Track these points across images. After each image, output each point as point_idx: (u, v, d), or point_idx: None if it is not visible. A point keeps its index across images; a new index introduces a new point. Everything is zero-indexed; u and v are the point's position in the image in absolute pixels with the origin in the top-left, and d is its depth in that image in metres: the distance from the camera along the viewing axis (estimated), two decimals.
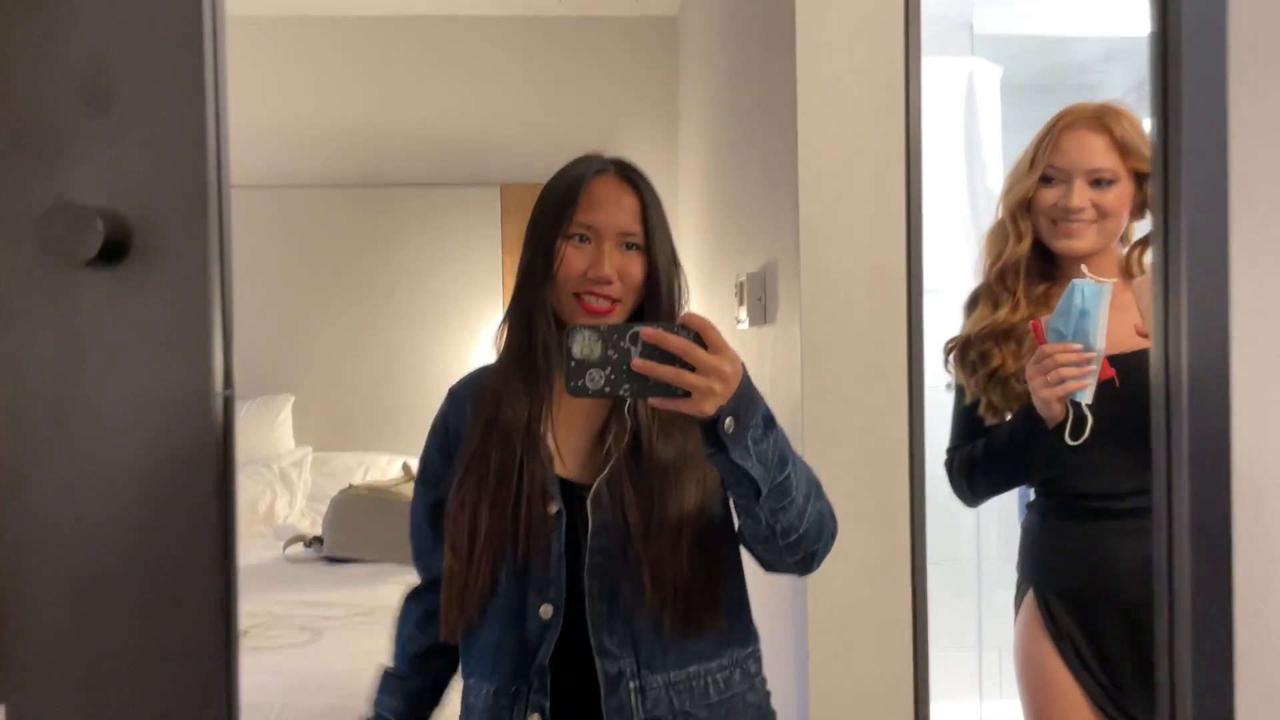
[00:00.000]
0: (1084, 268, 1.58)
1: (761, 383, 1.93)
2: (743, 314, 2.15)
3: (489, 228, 4.32)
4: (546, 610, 1.27)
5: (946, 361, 1.74)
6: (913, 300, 1.76)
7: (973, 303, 1.75)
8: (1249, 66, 0.70)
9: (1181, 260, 0.65)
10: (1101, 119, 1.64)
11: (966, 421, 1.72)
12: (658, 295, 1.33)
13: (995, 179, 3.11)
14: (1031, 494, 1.75)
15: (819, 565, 1.27)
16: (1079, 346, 1.50)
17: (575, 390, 1.09)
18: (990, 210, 3.07)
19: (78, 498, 0.62)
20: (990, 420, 1.66)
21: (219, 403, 0.63)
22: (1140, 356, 1.52)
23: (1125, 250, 1.70)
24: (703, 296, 3.07)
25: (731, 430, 1.10)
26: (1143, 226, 1.70)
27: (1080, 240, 1.64)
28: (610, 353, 1.08)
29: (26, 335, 0.62)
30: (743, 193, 2.41)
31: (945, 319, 2.65)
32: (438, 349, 4.35)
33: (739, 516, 1.23)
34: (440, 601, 1.33)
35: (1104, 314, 1.51)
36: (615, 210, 1.32)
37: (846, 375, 1.75)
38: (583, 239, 1.30)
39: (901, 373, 1.75)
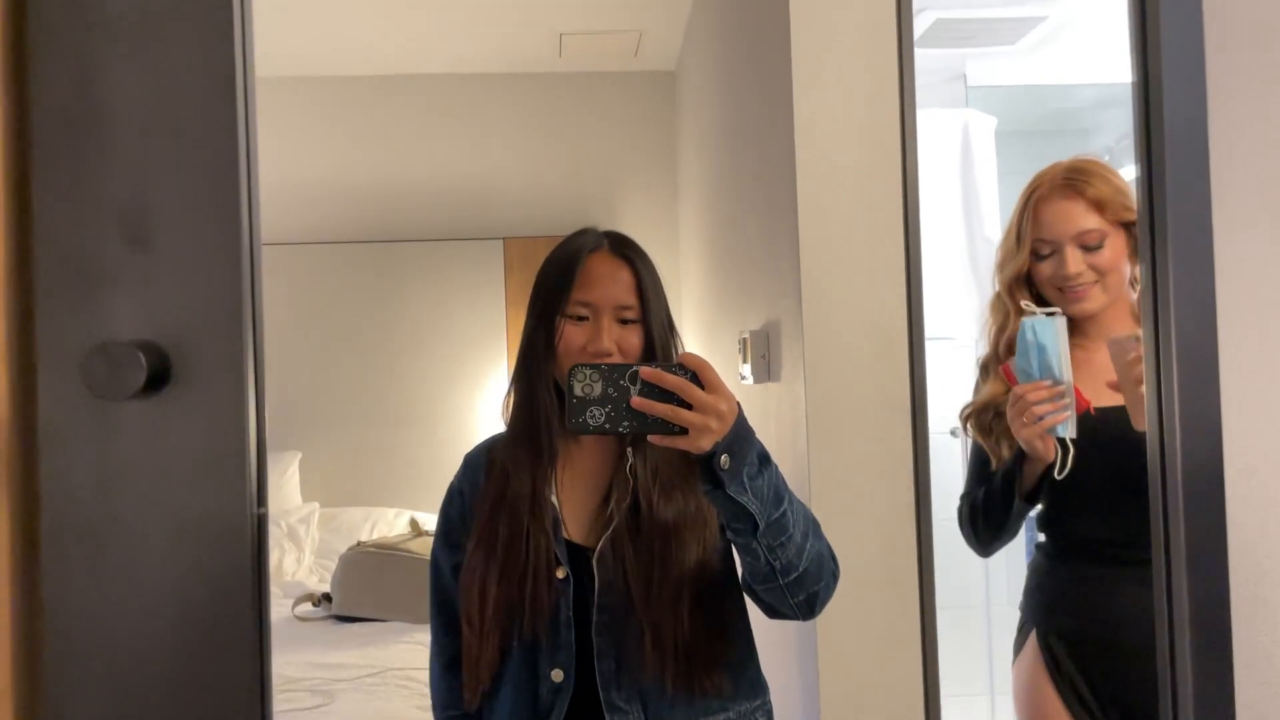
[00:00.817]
0: (1026, 304, 1.66)
1: (768, 439, 1.95)
2: (746, 370, 2.17)
3: (493, 281, 4.36)
4: (558, 675, 1.31)
5: (965, 428, 1.77)
6: (915, 353, 1.78)
7: (984, 371, 1.79)
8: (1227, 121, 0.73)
9: (1170, 323, 0.68)
10: (1072, 183, 1.68)
11: (982, 472, 1.75)
12: (656, 362, 1.37)
13: (992, 227, 3.15)
14: (1040, 537, 1.77)
15: (821, 608, 1.30)
16: (1048, 382, 1.55)
17: (576, 427, 1.15)
18: (988, 257, 3.11)
19: (116, 619, 0.64)
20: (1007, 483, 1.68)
21: (254, 521, 0.65)
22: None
23: (1137, 296, 1.71)
24: (706, 352, 3.10)
25: (727, 466, 1.15)
26: None
27: (1089, 302, 1.67)
28: (610, 391, 1.14)
29: (69, 463, 0.65)
30: (743, 249, 2.45)
31: (949, 366, 2.68)
32: (444, 403, 4.38)
33: (740, 557, 1.28)
34: (463, 670, 1.36)
35: (1062, 344, 1.57)
36: (611, 287, 1.36)
37: (851, 429, 1.76)
38: (581, 317, 1.35)
39: (905, 425, 1.77)
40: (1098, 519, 1.64)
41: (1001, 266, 1.75)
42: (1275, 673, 0.81)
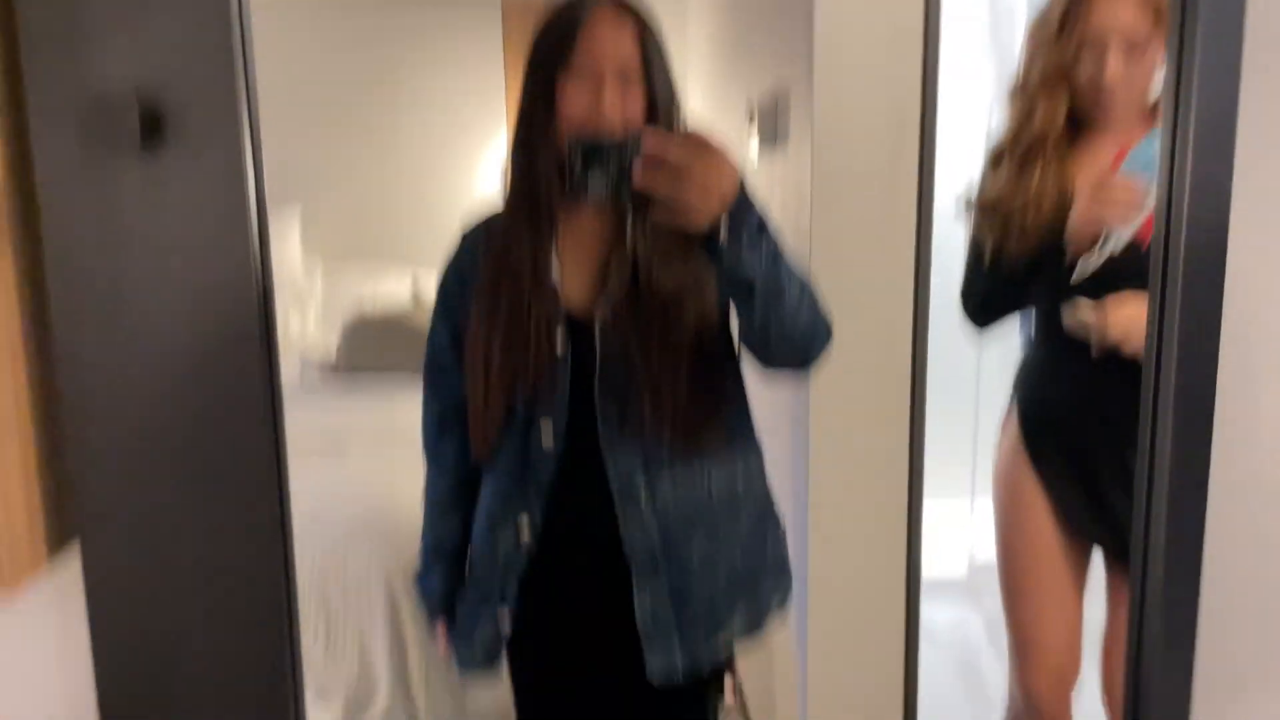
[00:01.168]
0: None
1: (771, 206, 1.93)
2: (753, 135, 2.13)
3: (490, 36, 4.22)
4: (549, 430, 1.38)
5: (970, 214, 1.76)
6: (926, 126, 1.73)
7: (995, 160, 1.74)
8: None
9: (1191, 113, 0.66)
10: None
11: (979, 269, 1.77)
12: (656, 123, 1.34)
13: (1020, 11, 2.98)
14: (1033, 329, 1.81)
15: (813, 364, 1.35)
16: (1145, 190, 1.53)
17: (577, 194, 1.17)
18: (1010, 27, 2.97)
19: (131, 361, 0.65)
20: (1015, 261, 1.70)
21: (258, 274, 0.65)
22: None
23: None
24: (713, 118, 3.02)
25: (725, 238, 1.15)
26: None
27: (1117, 109, 1.63)
28: (612, 166, 1.14)
29: (73, 219, 0.64)
30: (755, 10, 2.33)
31: (957, 139, 2.61)
32: (443, 161, 4.31)
33: (738, 316, 1.30)
34: (470, 428, 1.43)
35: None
36: (614, 46, 1.31)
37: (856, 202, 1.75)
38: (581, 78, 1.30)
39: (911, 203, 1.75)
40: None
41: (1033, 56, 1.67)
42: (1252, 452, 0.84)
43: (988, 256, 1.73)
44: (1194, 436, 0.78)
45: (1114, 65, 1.59)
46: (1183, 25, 0.69)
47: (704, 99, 3.32)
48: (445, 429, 1.50)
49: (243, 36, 0.66)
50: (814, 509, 1.81)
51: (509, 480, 1.41)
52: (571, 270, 1.40)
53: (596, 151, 1.13)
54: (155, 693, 0.71)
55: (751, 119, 2.16)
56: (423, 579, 1.58)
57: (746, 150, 2.23)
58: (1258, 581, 0.99)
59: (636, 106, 1.32)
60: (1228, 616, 0.97)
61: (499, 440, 1.41)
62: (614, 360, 1.36)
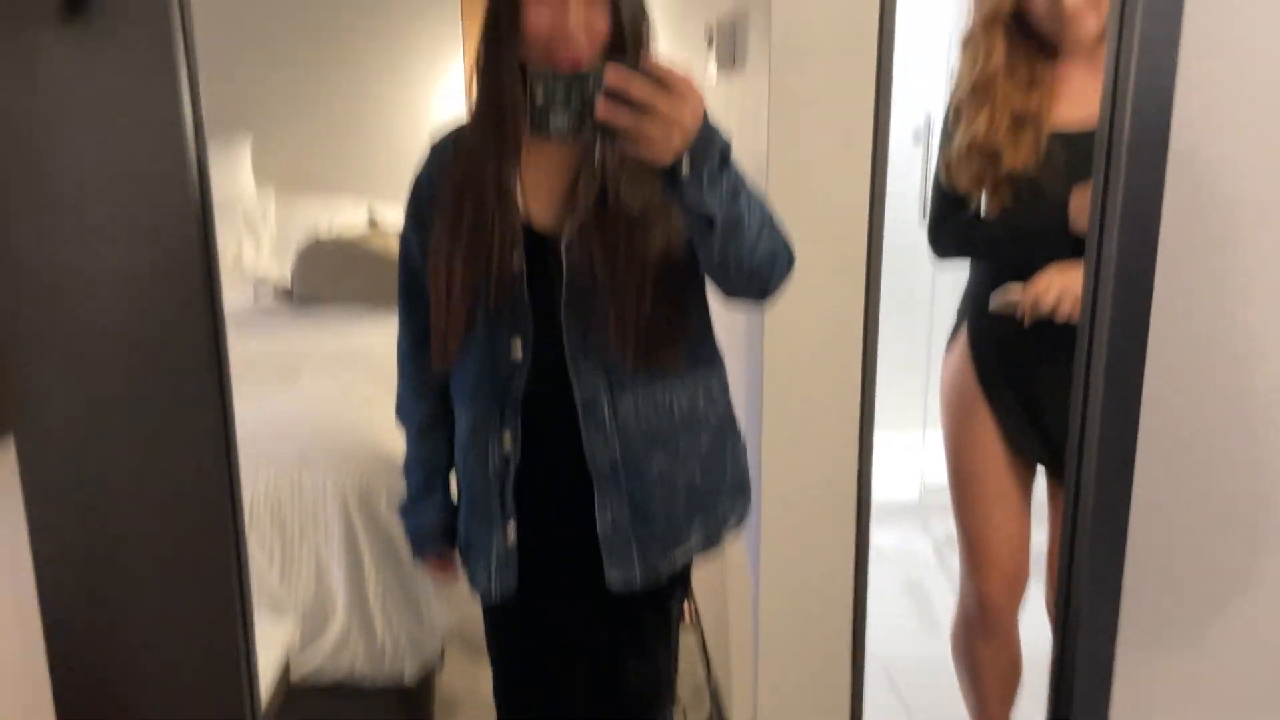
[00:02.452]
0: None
1: (729, 128, 1.91)
2: (711, 61, 2.10)
3: None
4: (517, 347, 1.40)
5: (948, 174, 1.79)
6: (883, 54, 1.73)
7: (956, 114, 1.78)
8: None
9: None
10: None
11: (946, 203, 1.84)
12: (623, 48, 1.33)
13: None
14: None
15: (774, 293, 1.37)
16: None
17: (539, 130, 1.14)
18: None
19: (62, 247, 0.64)
20: (993, 212, 1.76)
21: (191, 147, 0.64)
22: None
23: None
24: (672, 41, 2.98)
25: (687, 172, 1.15)
26: None
27: (1085, 30, 1.63)
28: (574, 98, 1.11)
29: None
30: None
31: (915, 66, 2.60)
32: (398, 89, 4.23)
33: (698, 247, 1.30)
34: (431, 339, 1.44)
35: None
36: None
37: (813, 127, 1.74)
38: None
39: (868, 128, 1.75)
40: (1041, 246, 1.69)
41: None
42: (1190, 328, 0.86)
43: (974, 205, 1.75)
44: (1131, 329, 0.80)
45: None
46: None
47: (662, 23, 3.27)
48: (422, 346, 1.50)
49: None
50: (767, 429, 1.84)
51: (485, 397, 1.44)
52: (538, 188, 1.41)
53: (557, 86, 1.11)
54: (98, 594, 0.71)
55: (710, 42, 2.14)
56: (412, 513, 1.60)
57: (705, 73, 2.21)
58: (1189, 492, 1.02)
59: (602, 25, 1.31)
60: (1157, 529, 1.00)
61: (464, 354, 1.43)
62: (579, 278, 1.37)
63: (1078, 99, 1.71)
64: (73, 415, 0.68)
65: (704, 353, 1.50)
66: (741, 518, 1.57)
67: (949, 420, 1.92)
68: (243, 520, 0.78)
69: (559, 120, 1.12)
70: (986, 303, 1.79)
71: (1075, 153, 1.68)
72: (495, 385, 1.42)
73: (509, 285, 1.38)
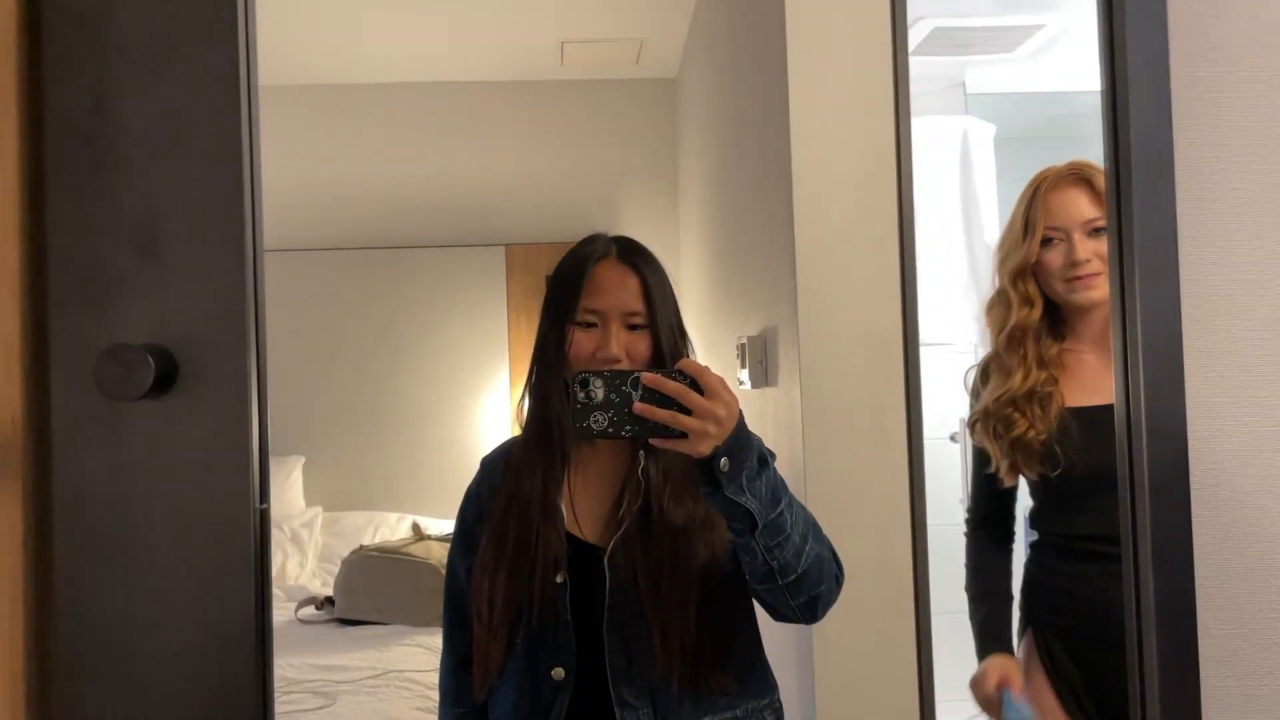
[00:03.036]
0: (1009, 693, 1.70)
1: (765, 443, 1.96)
2: (744, 375, 2.19)
3: (495, 287, 4.39)
4: (559, 673, 1.35)
5: (972, 431, 1.80)
6: (909, 358, 1.80)
7: (984, 373, 1.81)
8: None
9: (1136, 301, 0.70)
10: (1079, 173, 1.73)
11: (984, 485, 1.82)
12: (663, 366, 1.39)
13: (992, 233, 3.16)
14: (1034, 534, 1.80)
15: (825, 611, 1.33)
16: None
17: (579, 432, 1.19)
18: (987, 262, 3.12)
19: (126, 615, 0.66)
20: (1009, 482, 1.74)
21: (256, 516, 0.68)
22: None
23: None
24: (706, 356, 3.13)
25: (726, 469, 1.17)
26: None
27: (1096, 290, 1.69)
28: (613, 396, 1.17)
29: (81, 463, 0.67)
30: (742, 255, 2.47)
31: (946, 371, 2.70)
32: (446, 408, 4.40)
33: (741, 557, 1.29)
34: (473, 665, 1.41)
35: None
36: (619, 294, 1.39)
37: (847, 433, 1.79)
38: (590, 324, 1.39)
39: (901, 430, 1.79)
40: (1083, 516, 1.68)
41: (1005, 260, 1.77)
42: (1240, 666, 0.83)
43: (991, 469, 1.77)
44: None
45: (1081, 244, 1.68)
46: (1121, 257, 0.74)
47: (698, 341, 3.45)
48: (463, 670, 1.46)
49: (256, 296, 0.71)
50: None
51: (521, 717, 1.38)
52: (583, 502, 1.43)
53: (597, 384, 1.18)
54: None
55: (741, 357, 2.24)
56: None
57: (736, 387, 2.30)
58: None
59: (642, 349, 1.39)
60: None
61: (504, 679, 1.39)
62: (622, 591, 1.36)
63: (1090, 382, 1.74)
64: None
65: (755, 679, 1.43)
66: None
67: None
68: None
69: (599, 418, 1.17)
70: (1047, 596, 1.77)
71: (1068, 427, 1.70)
72: (536, 711, 1.37)
73: (551, 600, 1.36)
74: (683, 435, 1.15)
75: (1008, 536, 1.88)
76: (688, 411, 1.15)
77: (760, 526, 1.21)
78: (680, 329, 1.45)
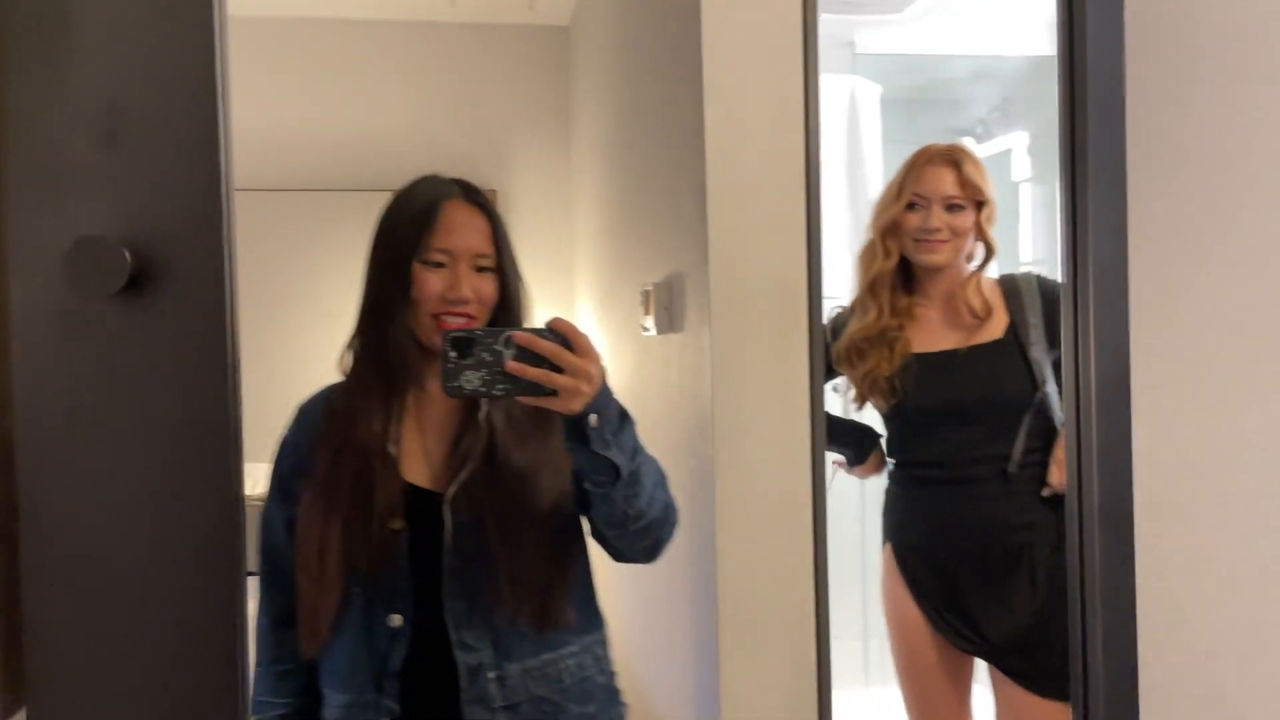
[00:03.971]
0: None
1: (669, 388, 2.03)
2: (649, 322, 2.23)
3: None
4: (396, 620, 1.34)
5: (836, 361, 2.07)
6: (814, 310, 1.87)
7: (849, 311, 2.10)
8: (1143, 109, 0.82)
9: (1089, 280, 0.76)
10: (952, 156, 2.01)
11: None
12: (509, 311, 1.41)
13: (876, 191, 3.26)
14: (890, 464, 2.10)
15: (662, 553, 1.40)
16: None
17: (452, 391, 1.18)
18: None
19: (95, 522, 0.65)
20: (856, 408, 2.07)
21: (233, 425, 0.67)
22: (959, 352, 1.98)
23: (970, 267, 2.07)
24: (603, 304, 3.15)
25: (596, 424, 1.21)
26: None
27: (939, 255, 2.00)
28: (485, 355, 1.17)
29: (47, 366, 0.65)
30: (645, 204, 2.50)
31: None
32: (319, 352, 4.31)
33: (596, 507, 1.32)
34: (298, 620, 1.35)
35: None
36: (469, 234, 1.38)
37: (753, 380, 1.84)
38: (438, 264, 1.36)
39: (804, 377, 1.86)
40: (925, 444, 2.00)
41: (878, 215, 2.06)
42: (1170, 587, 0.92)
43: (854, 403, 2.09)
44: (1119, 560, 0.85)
45: (938, 214, 1.98)
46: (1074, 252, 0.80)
47: (592, 285, 3.47)
48: (284, 627, 1.40)
49: (227, 199, 0.70)
50: (725, 686, 1.82)
51: (361, 678, 1.35)
52: (419, 448, 1.41)
53: (469, 343, 1.17)
54: None
55: (646, 305, 2.27)
56: None
57: (641, 334, 2.34)
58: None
59: (489, 292, 1.38)
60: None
61: (335, 633, 1.35)
62: (464, 537, 1.35)
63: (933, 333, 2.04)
64: (86, 684, 0.67)
65: (590, 615, 1.47)
66: None
67: (890, 630, 2.11)
68: None
69: (470, 378, 1.16)
70: (901, 519, 2.06)
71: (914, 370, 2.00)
72: (372, 663, 1.34)
73: (388, 547, 1.33)
74: (554, 393, 1.17)
75: None
76: (559, 370, 1.17)
77: (624, 478, 1.26)
78: (520, 272, 1.45)
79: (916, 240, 2.00)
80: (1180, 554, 0.91)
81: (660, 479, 1.35)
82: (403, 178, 1.47)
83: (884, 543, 2.12)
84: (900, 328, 2.01)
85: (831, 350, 2.07)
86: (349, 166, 4.28)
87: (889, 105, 3.41)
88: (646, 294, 2.24)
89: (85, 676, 0.70)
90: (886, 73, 3.50)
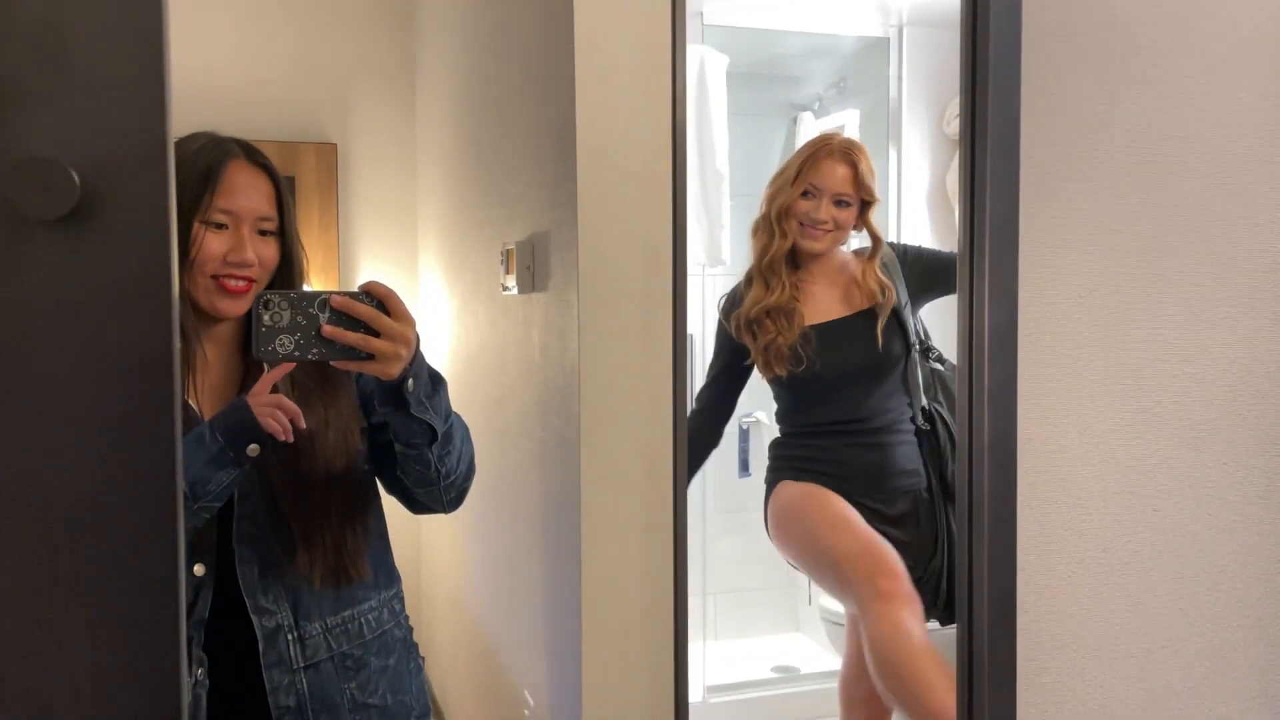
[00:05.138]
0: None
1: (531, 347, 2.04)
2: (510, 281, 2.22)
3: None
4: (199, 569, 1.33)
5: (736, 330, 2.21)
6: (678, 273, 1.91)
7: (747, 283, 2.24)
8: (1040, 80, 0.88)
9: (985, 249, 0.83)
10: (849, 154, 2.18)
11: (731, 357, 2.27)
12: (289, 275, 1.41)
13: (723, 161, 3.34)
14: (778, 429, 2.26)
15: (463, 502, 1.45)
16: None
17: (264, 355, 1.17)
18: (719, 190, 3.33)
19: (34, 454, 0.61)
20: (765, 376, 2.20)
21: (174, 359, 0.65)
22: (848, 321, 2.16)
23: (847, 250, 2.28)
24: (453, 263, 3.10)
25: (413, 389, 1.23)
26: (858, 239, 2.33)
27: (820, 244, 2.19)
28: (300, 319, 1.16)
29: None
30: (504, 163, 2.47)
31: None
32: None
33: (408, 468, 1.35)
34: None
35: None
36: (253, 196, 1.36)
37: (619, 338, 1.87)
38: (220, 224, 1.33)
39: (668, 338, 1.90)
40: (826, 406, 2.17)
41: (773, 197, 2.20)
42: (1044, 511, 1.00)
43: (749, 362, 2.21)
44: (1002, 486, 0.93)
45: (827, 207, 2.14)
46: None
47: (444, 250, 3.41)
48: None
49: (167, 121, 0.67)
50: (586, 638, 1.85)
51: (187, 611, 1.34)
52: (209, 408, 1.38)
53: (281, 303, 1.15)
54: None
55: (507, 264, 2.26)
56: None
57: (501, 293, 2.33)
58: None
59: (271, 255, 1.37)
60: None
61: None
62: (251, 503, 1.35)
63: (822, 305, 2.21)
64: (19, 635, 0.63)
65: (385, 570, 1.50)
66: None
67: (809, 518, 2.19)
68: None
69: (284, 341, 1.15)
70: (799, 459, 2.21)
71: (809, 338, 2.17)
72: (188, 604, 1.33)
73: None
74: (370, 357, 1.17)
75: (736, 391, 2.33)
76: (376, 334, 1.17)
77: (439, 439, 1.29)
78: (299, 236, 1.44)
79: (803, 225, 2.18)
80: (1052, 486, 1.01)
81: (465, 434, 1.40)
82: (237, 130, 1.40)
83: (771, 481, 2.26)
84: (795, 299, 2.19)
85: (730, 322, 2.22)
86: (178, 115, 4.03)
87: (733, 78, 3.49)
88: (508, 253, 2.23)
89: (23, 610, 0.66)
90: (733, 45, 3.58)
